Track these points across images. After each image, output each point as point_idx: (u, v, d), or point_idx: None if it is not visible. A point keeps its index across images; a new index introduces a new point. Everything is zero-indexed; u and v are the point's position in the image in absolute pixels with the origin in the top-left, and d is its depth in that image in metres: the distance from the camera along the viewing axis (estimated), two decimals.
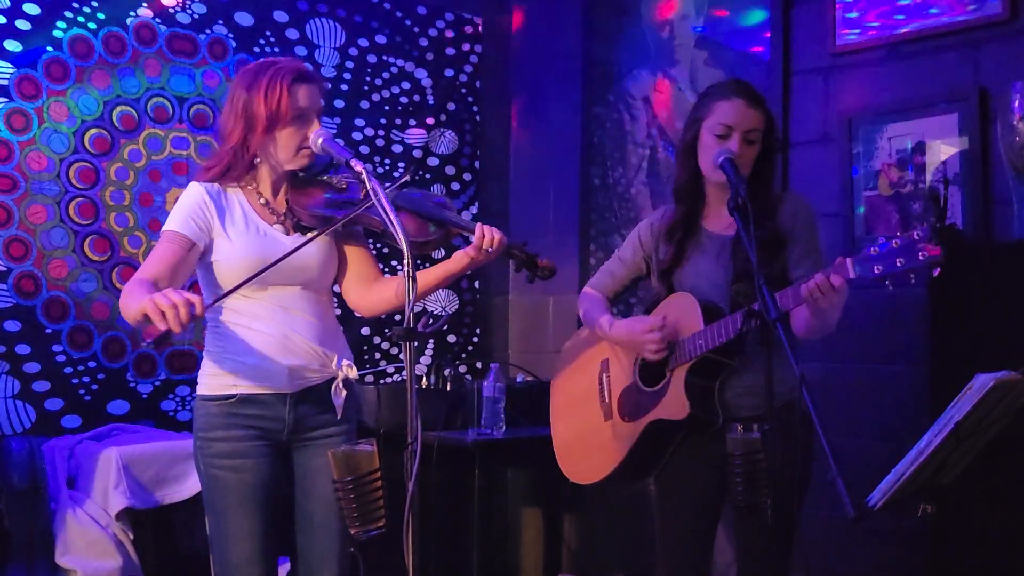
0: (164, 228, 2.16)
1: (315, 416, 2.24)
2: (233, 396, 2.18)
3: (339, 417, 2.26)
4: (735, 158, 2.24)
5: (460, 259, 2.23)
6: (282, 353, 2.18)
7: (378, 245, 3.80)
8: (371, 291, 2.34)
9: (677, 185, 2.44)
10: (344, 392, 2.26)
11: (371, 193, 1.95)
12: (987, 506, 2.46)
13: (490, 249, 2.19)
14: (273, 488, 2.20)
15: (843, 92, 3.25)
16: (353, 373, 2.28)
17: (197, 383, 2.24)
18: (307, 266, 2.20)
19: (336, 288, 2.38)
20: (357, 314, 2.40)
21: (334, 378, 2.26)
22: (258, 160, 2.21)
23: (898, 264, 1.89)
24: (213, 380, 2.20)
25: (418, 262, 2.22)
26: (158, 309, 1.82)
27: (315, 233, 2.14)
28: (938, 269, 1.88)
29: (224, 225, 2.17)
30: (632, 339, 2.38)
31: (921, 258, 1.86)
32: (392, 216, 1.88)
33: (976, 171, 2.91)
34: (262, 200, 2.24)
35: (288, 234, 2.23)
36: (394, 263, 4.08)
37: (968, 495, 2.41)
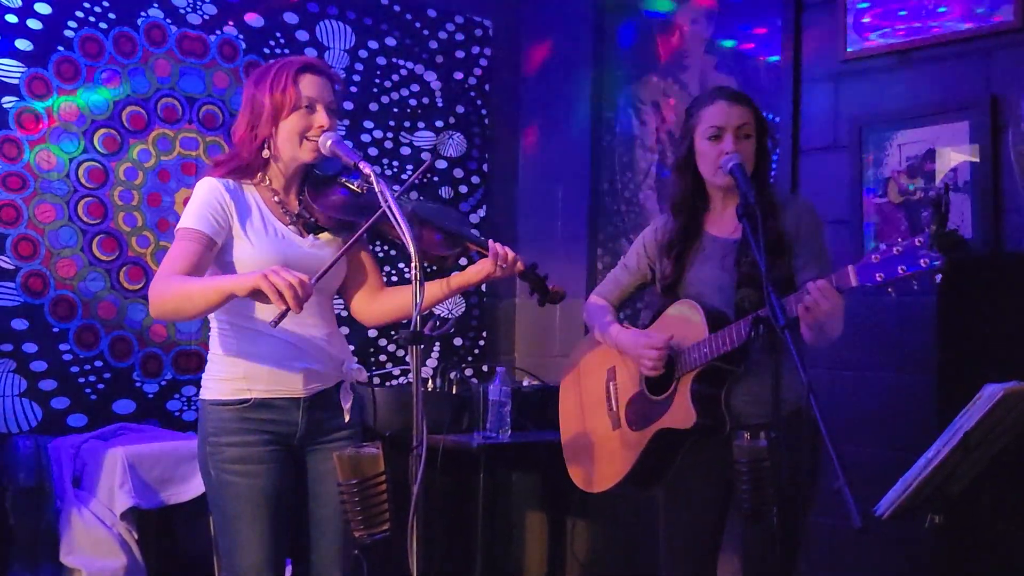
0: (182, 225, 2.11)
1: (327, 420, 2.23)
2: (247, 400, 2.15)
3: (347, 420, 2.25)
4: (737, 153, 2.26)
5: (475, 273, 2.22)
6: (296, 357, 2.17)
7: (386, 248, 3.80)
8: (376, 301, 2.33)
9: (676, 199, 2.44)
10: (351, 395, 2.26)
11: (379, 196, 1.94)
12: (995, 517, 2.45)
13: (504, 266, 2.19)
14: (283, 493, 2.18)
15: (853, 99, 3.24)
16: (362, 376, 2.28)
17: (202, 387, 2.21)
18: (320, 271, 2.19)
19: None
20: (361, 323, 2.39)
21: (343, 381, 2.26)
22: (267, 154, 2.19)
23: (900, 271, 1.88)
24: (225, 384, 2.17)
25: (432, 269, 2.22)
26: (275, 289, 1.86)
27: (348, 245, 2.11)
28: (940, 275, 1.87)
29: (243, 225, 2.15)
30: (634, 351, 2.39)
31: (923, 264, 1.85)
32: (400, 219, 1.87)
33: (986, 179, 2.90)
34: (276, 198, 2.22)
35: (302, 235, 2.22)
36: (401, 265, 4.08)
37: (976, 506, 2.40)
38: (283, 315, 1.91)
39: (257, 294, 1.90)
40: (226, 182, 2.17)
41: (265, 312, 2.15)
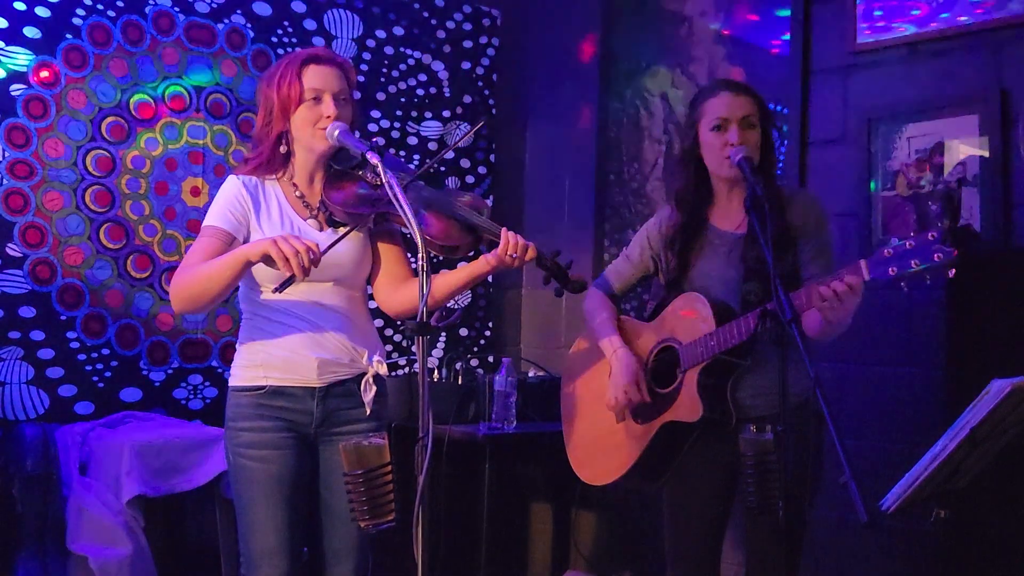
0: (205, 223, 2.19)
1: (344, 411, 2.25)
2: (262, 387, 2.20)
3: (368, 413, 2.26)
4: (744, 146, 2.25)
5: (484, 263, 2.20)
6: (312, 347, 2.20)
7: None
8: (400, 291, 2.33)
9: (680, 192, 2.43)
10: (374, 388, 2.26)
11: (385, 186, 1.94)
12: (1001, 511, 2.45)
13: (514, 255, 2.16)
14: (298, 480, 2.21)
15: (862, 91, 3.23)
16: (384, 369, 2.29)
17: (230, 373, 2.28)
18: (340, 262, 2.21)
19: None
20: (386, 313, 2.39)
21: (364, 373, 2.26)
22: (285, 149, 2.24)
23: (913, 265, 1.87)
24: (244, 371, 2.24)
25: (438, 259, 2.22)
26: (283, 254, 1.93)
27: (346, 231, 2.13)
28: (953, 270, 1.86)
29: (259, 219, 2.20)
30: (616, 379, 2.41)
31: (936, 259, 1.84)
32: (406, 208, 1.87)
33: (996, 173, 2.89)
34: (297, 193, 2.26)
35: (321, 229, 2.25)
36: (409, 255, 4.08)
37: (982, 500, 2.39)
38: (287, 282, 1.98)
39: (268, 260, 1.96)
40: (247, 179, 2.23)
41: (282, 303, 2.18)
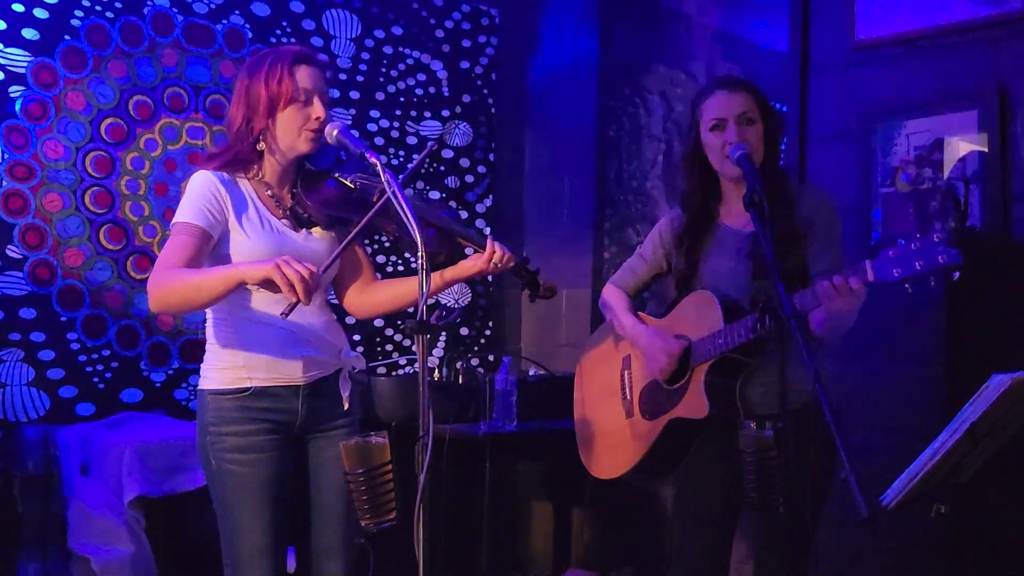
0: (177, 219, 2.10)
1: (327, 408, 2.24)
2: (247, 389, 2.15)
3: (346, 408, 2.26)
4: (743, 143, 2.25)
5: (468, 269, 2.23)
6: (296, 345, 2.18)
7: (381, 238, 3.79)
8: (366, 294, 2.35)
9: (687, 193, 2.44)
10: (350, 382, 2.27)
11: (385, 184, 1.93)
12: (1002, 506, 2.45)
13: (499, 265, 2.20)
14: (284, 481, 2.19)
15: (862, 87, 3.23)
16: (360, 364, 2.29)
17: (201, 376, 2.21)
18: (317, 262, 2.19)
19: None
20: (353, 315, 2.40)
21: (341, 369, 2.26)
22: (262, 147, 2.17)
23: (917, 267, 1.87)
24: (224, 374, 2.17)
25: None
26: (287, 281, 1.88)
27: (350, 237, 2.11)
28: (958, 273, 1.86)
29: (239, 218, 2.14)
30: (649, 351, 2.40)
31: (940, 261, 1.84)
32: (407, 208, 1.87)
33: (995, 169, 2.89)
34: (269, 192, 2.20)
35: (296, 230, 2.21)
36: (407, 255, 4.08)
37: (983, 495, 2.39)
38: (293, 306, 1.92)
39: (267, 283, 1.90)
40: (220, 175, 2.15)
41: (263, 303, 2.15)
